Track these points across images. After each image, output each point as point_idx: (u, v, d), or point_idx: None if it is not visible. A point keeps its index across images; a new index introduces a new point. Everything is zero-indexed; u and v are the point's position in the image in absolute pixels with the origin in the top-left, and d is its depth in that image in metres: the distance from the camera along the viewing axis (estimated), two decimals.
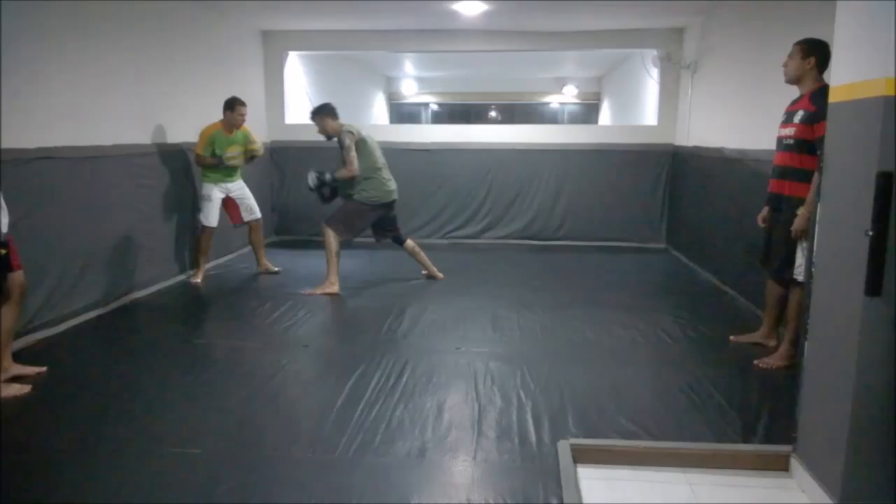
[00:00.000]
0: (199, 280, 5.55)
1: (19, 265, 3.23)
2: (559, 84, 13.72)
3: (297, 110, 8.15)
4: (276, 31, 7.50)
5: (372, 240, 6.45)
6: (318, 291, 5.12)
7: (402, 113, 15.32)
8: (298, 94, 8.24)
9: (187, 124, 5.77)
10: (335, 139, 5.22)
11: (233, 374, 3.50)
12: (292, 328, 4.29)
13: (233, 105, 5.44)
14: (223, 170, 5.50)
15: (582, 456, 2.61)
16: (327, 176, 5.19)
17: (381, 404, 3.09)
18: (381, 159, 5.25)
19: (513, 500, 2.31)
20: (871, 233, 2.00)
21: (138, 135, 5.02)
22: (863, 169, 2.08)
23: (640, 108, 9.07)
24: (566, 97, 14.23)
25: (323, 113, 5.19)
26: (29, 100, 3.92)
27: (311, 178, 5.20)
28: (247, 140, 5.63)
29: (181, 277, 5.61)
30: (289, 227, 7.78)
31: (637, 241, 7.43)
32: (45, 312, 4.04)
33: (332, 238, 5.14)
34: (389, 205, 5.31)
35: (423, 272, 5.74)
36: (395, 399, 3.15)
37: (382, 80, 13.66)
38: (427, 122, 15.64)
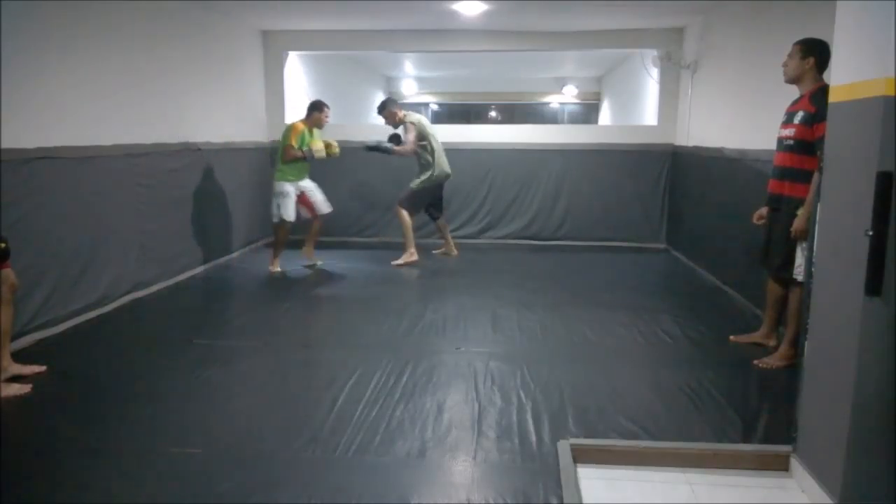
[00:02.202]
0: (276, 269, 5.98)
1: (8, 264, 3.22)
2: (559, 84, 13.72)
3: (297, 110, 8.14)
4: (276, 31, 7.50)
5: (370, 241, 6.64)
6: (402, 262, 6.21)
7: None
8: (298, 94, 8.24)
9: (187, 124, 5.78)
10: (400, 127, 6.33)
11: (233, 374, 3.50)
12: (292, 328, 4.29)
13: (320, 107, 5.95)
14: (299, 168, 5.91)
15: (582, 456, 2.61)
16: (385, 145, 6.30)
17: (381, 404, 3.09)
18: (437, 146, 6.31)
19: (513, 500, 2.31)
20: (871, 233, 2.00)
21: (138, 135, 5.02)
22: (863, 169, 2.08)
23: (640, 108, 9.07)
24: (566, 97, 14.23)
25: (389, 105, 6.28)
26: (29, 100, 3.92)
27: (373, 141, 6.35)
28: (321, 140, 6.02)
29: (181, 277, 5.61)
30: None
31: (637, 241, 7.43)
32: (45, 312, 4.04)
33: (405, 216, 6.25)
34: (441, 184, 6.44)
35: (438, 250, 6.72)
36: (395, 399, 3.15)
37: (382, 80, 13.66)
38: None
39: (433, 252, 6.63)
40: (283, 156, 5.83)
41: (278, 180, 5.87)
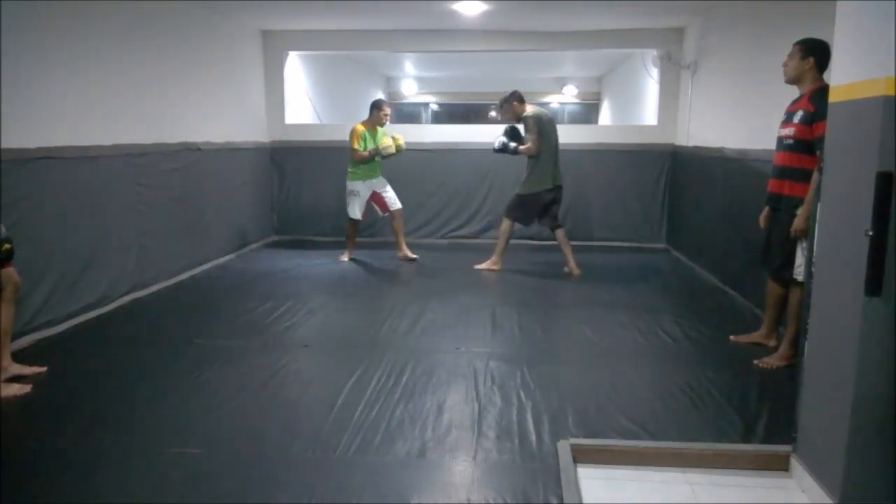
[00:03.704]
0: (345, 259, 6.36)
1: (11, 263, 3.22)
2: (559, 84, 13.71)
3: (297, 110, 8.15)
4: (276, 31, 7.50)
5: (370, 241, 6.64)
6: (483, 267, 5.98)
7: (402, 113, 15.30)
8: (298, 94, 8.24)
9: (187, 124, 5.78)
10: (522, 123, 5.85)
11: (233, 374, 3.50)
12: (292, 328, 4.29)
13: (380, 105, 6.12)
14: (369, 167, 6.12)
15: (582, 456, 2.61)
16: (511, 145, 5.82)
17: (381, 404, 3.09)
18: (551, 149, 5.80)
19: (513, 500, 2.31)
20: (871, 233, 2.00)
21: (138, 135, 5.02)
22: (863, 169, 2.08)
23: (640, 108, 9.07)
24: (566, 97, 14.23)
25: (512, 99, 5.79)
26: (29, 100, 3.92)
27: (498, 143, 5.88)
28: (388, 136, 6.16)
29: (181, 277, 5.62)
30: (288, 227, 7.78)
31: (637, 241, 7.43)
32: (45, 312, 4.04)
33: (505, 226, 5.92)
34: (552, 190, 5.82)
35: (565, 268, 5.97)
36: (395, 399, 3.15)
37: (382, 80, 13.66)
38: (427, 122, 15.65)
39: (564, 270, 5.93)
40: (352, 159, 6.08)
41: (349, 180, 6.19)
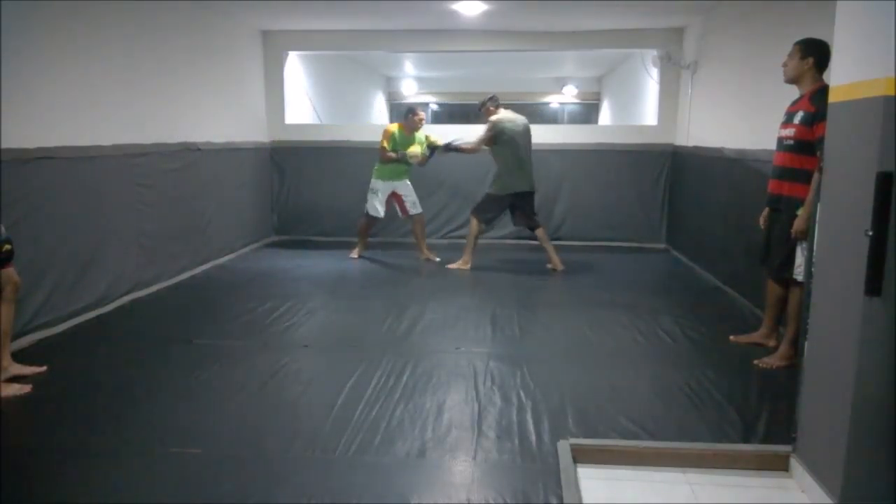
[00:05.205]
0: (355, 256, 6.51)
1: (11, 263, 3.22)
2: (559, 84, 13.71)
3: (297, 110, 8.15)
4: (276, 31, 7.50)
5: (370, 241, 6.64)
6: (454, 266, 6.05)
7: (403, 113, 15.26)
8: (298, 94, 8.24)
9: (187, 124, 5.78)
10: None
11: (233, 374, 3.50)
12: (292, 328, 4.29)
13: (414, 110, 6.33)
14: (394, 169, 6.23)
15: (582, 456, 2.61)
16: (454, 143, 6.14)
17: (381, 404, 3.09)
18: (517, 154, 5.85)
19: (513, 500, 2.30)
20: (871, 233, 2.00)
21: (138, 135, 5.02)
22: (863, 169, 2.08)
23: (640, 108, 9.07)
24: (566, 97, 14.23)
25: (488, 103, 6.01)
26: (29, 100, 3.92)
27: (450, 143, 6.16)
28: (423, 140, 6.31)
29: (181, 277, 5.61)
30: (288, 227, 7.78)
31: (637, 241, 7.43)
32: (45, 312, 4.04)
33: (474, 225, 6.00)
34: (520, 195, 5.90)
35: (548, 264, 6.09)
36: (395, 399, 3.15)
37: (382, 80, 13.65)
38: (427, 123, 15.62)
39: (547, 266, 6.09)
40: (380, 157, 6.23)
41: (373, 177, 6.32)
